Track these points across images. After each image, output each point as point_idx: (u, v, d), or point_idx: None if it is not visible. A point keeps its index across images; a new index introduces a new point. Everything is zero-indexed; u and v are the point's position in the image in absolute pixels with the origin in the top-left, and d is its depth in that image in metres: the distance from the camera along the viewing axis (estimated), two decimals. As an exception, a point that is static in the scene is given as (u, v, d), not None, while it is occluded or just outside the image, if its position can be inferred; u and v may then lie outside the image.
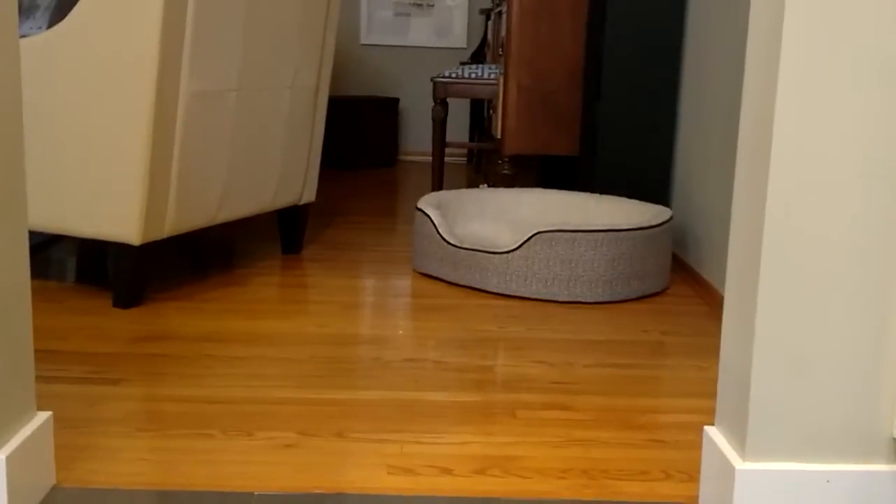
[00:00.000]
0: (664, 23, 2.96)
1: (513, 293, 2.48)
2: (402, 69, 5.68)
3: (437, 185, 3.90)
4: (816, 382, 1.22)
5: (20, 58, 1.26)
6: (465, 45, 5.63)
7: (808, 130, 1.17)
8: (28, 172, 2.28)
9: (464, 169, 5.40)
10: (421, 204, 2.74)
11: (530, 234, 2.45)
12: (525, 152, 3.37)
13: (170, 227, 2.31)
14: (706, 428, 1.36)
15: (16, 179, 1.26)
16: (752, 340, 1.22)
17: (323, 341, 2.09)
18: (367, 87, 5.69)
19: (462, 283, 2.58)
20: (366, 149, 5.26)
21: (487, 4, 5.50)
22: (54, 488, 1.37)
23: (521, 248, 2.46)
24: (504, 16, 3.48)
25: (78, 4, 2.17)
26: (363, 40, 5.63)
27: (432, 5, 5.59)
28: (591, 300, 2.46)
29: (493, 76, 3.75)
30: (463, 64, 4.00)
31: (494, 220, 2.91)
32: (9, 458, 1.22)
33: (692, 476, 1.48)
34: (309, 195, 2.92)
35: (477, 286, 2.55)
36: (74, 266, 2.73)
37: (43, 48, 2.21)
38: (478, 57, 5.25)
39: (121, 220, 2.22)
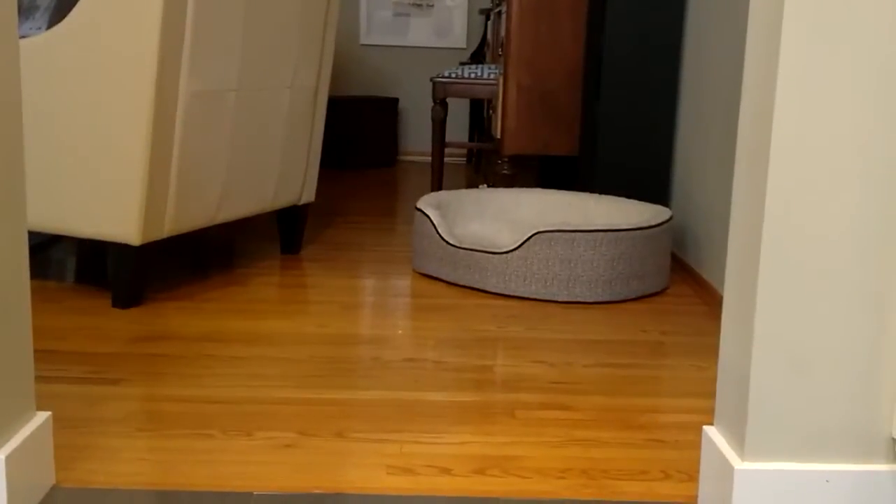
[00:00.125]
0: (664, 22, 2.96)
1: (512, 293, 2.49)
2: (402, 69, 5.68)
3: (437, 186, 3.90)
4: (816, 382, 1.23)
5: (20, 58, 1.26)
6: (464, 46, 5.64)
7: (807, 129, 1.17)
8: (28, 173, 2.28)
9: (463, 169, 5.40)
10: (420, 204, 2.74)
11: (530, 234, 2.45)
12: (524, 152, 3.37)
13: (169, 227, 2.31)
14: (705, 428, 1.36)
15: (15, 179, 1.26)
16: (752, 340, 1.22)
17: (322, 341, 2.09)
18: (366, 87, 5.69)
19: (461, 283, 2.58)
20: (365, 149, 5.26)
21: (487, 4, 5.50)
22: (54, 488, 1.37)
23: (520, 249, 2.46)
24: (504, 16, 3.48)
25: (77, 5, 2.17)
26: (363, 40, 5.63)
27: (432, 5, 5.59)
28: (591, 300, 2.46)
29: (492, 76, 3.75)
30: (462, 64, 4.00)
31: (494, 220, 2.91)
32: (8, 458, 1.22)
33: (691, 476, 1.48)
34: (308, 195, 2.92)
35: (476, 286, 2.55)
36: (74, 266, 2.73)
37: (42, 49, 2.21)
38: (477, 57, 5.25)
39: (120, 220, 2.22)
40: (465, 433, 1.61)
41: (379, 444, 1.55)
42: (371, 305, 2.39)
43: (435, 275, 2.66)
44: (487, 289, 2.52)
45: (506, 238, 2.65)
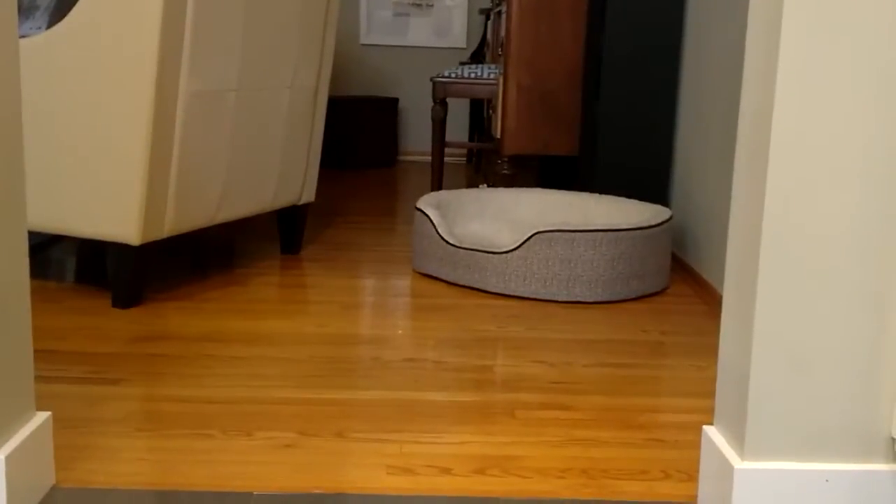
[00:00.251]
0: (663, 22, 2.96)
1: (512, 293, 2.49)
2: (402, 69, 5.68)
3: (437, 185, 3.90)
4: (815, 382, 1.23)
5: (20, 58, 1.26)
6: (464, 45, 5.64)
7: (806, 128, 1.17)
8: (27, 173, 2.28)
9: (463, 169, 5.40)
10: (420, 204, 2.74)
11: (530, 234, 2.45)
12: (524, 152, 3.37)
13: (169, 226, 2.31)
14: (705, 427, 1.36)
15: (15, 179, 1.26)
16: (751, 340, 1.22)
17: (322, 341, 2.09)
18: (366, 87, 5.69)
19: (461, 282, 2.58)
20: (365, 149, 5.26)
21: (487, 4, 5.50)
22: (53, 488, 1.37)
23: (520, 248, 2.46)
24: (503, 16, 3.48)
25: (77, 5, 2.17)
26: (363, 40, 5.63)
27: (431, 5, 5.59)
28: (591, 300, 2.46)
29: (492, 76, 3.75)
30: (462, 64, 4.00)
31: (494, 219, 2.91)
32: (8, 458, 1.22)
33: (691, 476, 1.48)
34: (308, 195, 2.92)
35: (476, 286, 2.55)
36: (74, 266, 2.73)
37: (42, 48, 2.21)
38: (477, 57, 5.25)
39: (120, 220, 2.22)
40: (465, 433, 1.61)
41: (379, 444, 1.55)
42: (371, 305, 2.39)
43: (435, 275, 2.66)
44: (487, 289, 2.52)
45: (506, 238, 2.65)
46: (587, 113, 3.21)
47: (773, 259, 1.20)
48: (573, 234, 2.42)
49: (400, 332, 2.18)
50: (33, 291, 2.40)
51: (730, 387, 1.29)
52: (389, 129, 5.38)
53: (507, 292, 2.49)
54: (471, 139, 5.52)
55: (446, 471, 1.47)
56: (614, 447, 1.57)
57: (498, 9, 4.06)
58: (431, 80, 3.86)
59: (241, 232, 3.28)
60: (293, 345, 2.05)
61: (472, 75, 3.78)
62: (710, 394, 1.84)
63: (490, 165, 4.30)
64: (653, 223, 2.53)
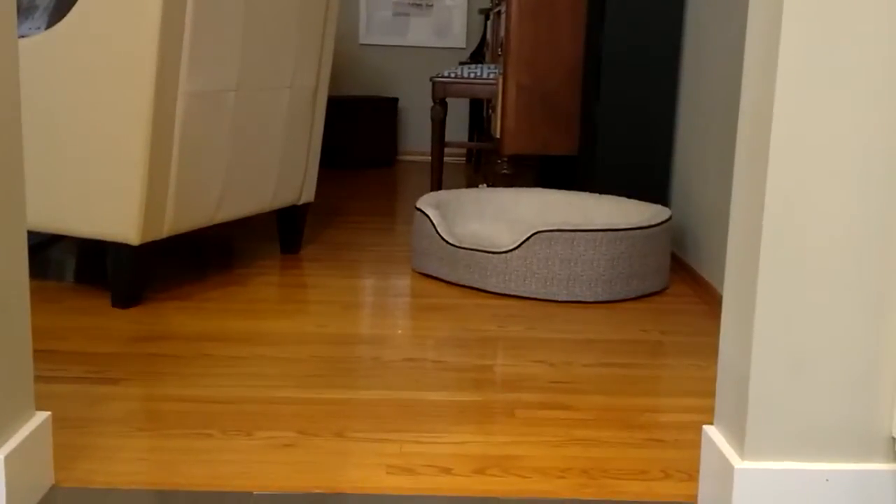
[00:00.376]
0: (663, 22, 2.96)
1: (512, 293, 2.49)
2: (402, 69, 5.68)
3: (437, 185, 3.90)
4: (815, 381, 1.23)
5: (19, 58, 1.26)
6: (464, 45, 5.63)
7: (807, 128, 1.17)
8: (27, 172, 2.28)
9: (463, 169, 5.40)
10: (420, 204, 2.74)
11: (529, 234, 2.45)
12: (524, 152, 3.37)
13: (169, 226, 2.31)
14: (705, 427, 1.36)
15: (14, 179, 1.26)
16: (751, 339, 1.22)
17: (322, 341, 2.09)
18: (366, 86, 5.69)
19: (461, 282, 2.58)
20: (365, 149, 5.26)
21: (486, 4, 5.50)
22: (53, 488, 1.37)
23: (520, 248, 2.46)
24: (503, 15, 3.48)
25: (76, 5, 2.17)
26: (362, 40, 5.63)
27: (431, 5, 5.59)
28: (591, 300, 2.46)
29: (492, 76, 3.75)
30: (462, 64, 4.00)
31: (493, 219, 2.91)
32: (7, 458, 1.22)
33: (691, 475, 1.48)
34: (308, 195, 2.92)
35: (476, 286, 2.55)
36: (73, 266, 2.73)
37: (42, 48, 2.21)
38: (477, 57, 5.25)
39: (120, 220, 2.22)
40: (465, 433, 1.61)
41: (379, 444, 1.55)
42: (371, 305, 2.39)
43: (435, 274, 2.66)
44: (487, 288, 2.52)
45: (505, 238, 2.65)
46: (587, 112, 3.21)
47: (773, 259, 1.20)
48: (573, 233, 2.42)
49: (400, 331, 2.17)
50: (33, 291, 2.40)
51: (730, 386, 1.29)
52: (389, 129, 5.38)
53: (506, 292, 2.49)
54: (470, 139, 5.52)
55: (446, 470, 1.47)
56: (614, 447, 1.57)
57: (497, 9, 4.06)
58: (431, 79, 3.86)
59: (240, 232, 3.28)
60: (293, 344, 2.05)
61: (472, 75, 3.78)
62: (710, 393, 1.84)
63: (490, 165, 4.30)
64: (652, 223, 2.53)
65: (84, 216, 2.25)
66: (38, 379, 1.80)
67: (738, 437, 1.26)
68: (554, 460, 1.51)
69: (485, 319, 2.29)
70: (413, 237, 2.77)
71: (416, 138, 5.74)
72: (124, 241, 2.23)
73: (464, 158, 5.75)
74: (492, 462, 1.50)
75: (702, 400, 1.80)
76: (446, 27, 5.62)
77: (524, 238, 2.45)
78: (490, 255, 2.50)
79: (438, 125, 3.87)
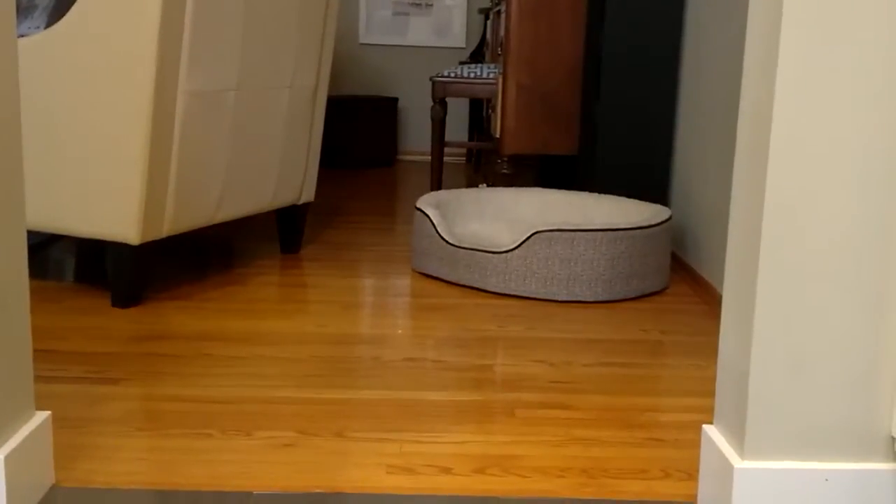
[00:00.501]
0: (663, 21, 2.96)
1: (512, 292, 2.48)
2: (401, 69, 5.68)
3: (436, 185, 3.90)
4: (815, 381, 1.23)
5: (18, 57, 1.26)
6: (464, 45, 5.63)
7: (806, 127, 1.17)
8: (27, 172, 2.28)
9: (463, 168, 5.40)
10: (420, 203, 2.74)
11: (529, 234, 2.45)
12: (524, 152, 3.37)
13: (168, 226, 2.31)
14: (705, 427, 1.36)
15: (14, 179, 1.26)
16: (751, 339, 1.22)
17: (322, 341, 2.09)
18: (365, 86, 5.69)
19: (461, 282, 2.58)
20: (365, 148, 5.26)
21: (486, 4, 5.50)
22: (53, 488, 1.37)
23: (520, 248, 2.46)
24: (503, 15, 3.48)
25: (76, 4, 2.17)
26: (362, 40, 5.63)
27: (431, 5, 5.59)
28: (591, 299, 2.46)
29: (492, 75, 3.75)
30: (462, 63, 4.00)
31: (493, 219, 2.91)
32: (7, 458, 1.22)
33: (691, 475, 1.48)
34: (308, 195, 2.92)
35: (476, 286, 2.55)
36: (73, 266, 2.73)
37: (41, 48, 2.21)
38: (477, 56, 5.25)
39: (119, 220, 2.22)
40: (465, 432, 1.61)
41: (379, 444, 1.55)
42: (371, 305, 2.39)
43: (435, 274, 2.66)
44: (487, 288, 2.52)
45: (505, 237, 2.65)
46: (587, 112, 3.21)
47: (773, 258, 1.20)
48: (573, 233, 2.42)
49: (400, 331, 2.17)
50: (33, 291, 2.40)
51: (729, 386, 1.29)
52: (389, 129, 5.38)
53: (506, 292, 2.49)
54: (470, 139, 5.52)
55: (446, 470, 1.47)
56: (614, 446, 1.57)
57: (497, 8, 4.06)
58: (431, 79, 3.85)
59: (240, 231, 3.28)
60: (293, 344, 2.05)
61: (472, 75, 3.78)
62: (710, 393, 1.84)
63: (490, 165, 4.30)
64: (652, 222, 2.53)
65: (84, 216, 2.25)
66: (38, 379, 1.80)
67: (738, 437, 1.26)
68: (554, 460, 1.51)
69: (485, 319, 2.29)
70: (413, 237, 2.77)
71: (415, 138, 5.74)
72: (124, 241, 2.23)
73: (464, 158, 5.75)
74: (492, 462, 1.50)
75: (702, 399, 1.80)
76: (446, 27, 5.62)
77: (524, 238, 2.45)
78: (490, 254, 2.50)
79: (438, 125, 3.87)
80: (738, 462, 1.24)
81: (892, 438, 1.24)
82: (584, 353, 2.05)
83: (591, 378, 1.90)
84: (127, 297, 2.29)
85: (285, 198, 2.79)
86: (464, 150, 5.74)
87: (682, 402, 1.79)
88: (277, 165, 2.70)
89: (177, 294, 2.42)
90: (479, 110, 5.24)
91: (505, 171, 3.46)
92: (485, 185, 3.78)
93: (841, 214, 1.19)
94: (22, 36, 2.26)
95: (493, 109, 3.77)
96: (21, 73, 2.23)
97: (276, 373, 1.87)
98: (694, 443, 1.60)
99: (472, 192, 2.98)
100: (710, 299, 2.48)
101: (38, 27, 2.98)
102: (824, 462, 1.24)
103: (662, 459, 1.53)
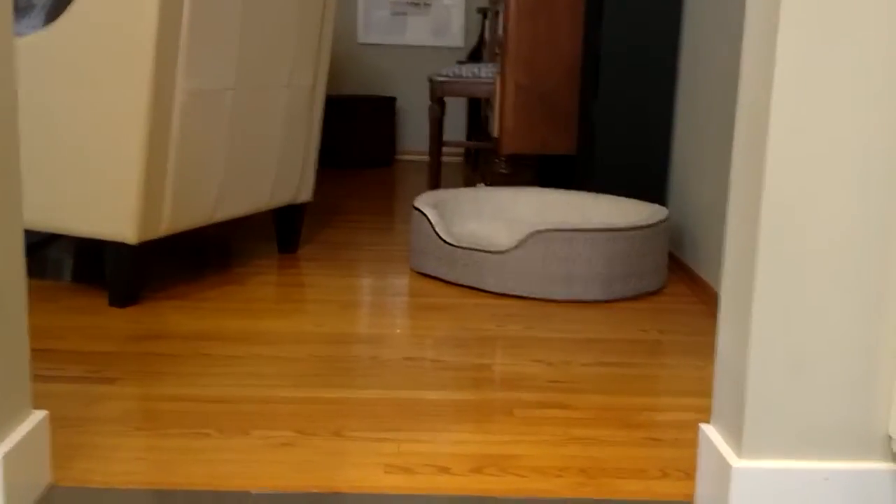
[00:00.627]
0: (661, 21, 2.96)
1: (510, 292, 2.48)
2: (399, 68, 5.67)
3: (435, 185, 3.90)
4: (813, 380, 1.23)
5: (16, 56, 1.26)
6: (462, 44, 5.63)
7: (804, 126, 1.17)
8: (24, 171, 2.28)
9: (461, 168, 5.40)
10: (418, 203, 2.74)
11: (528, 234, 2.45)
12: (522, 151, 3.37)
13: (166, 225, 2.31)
14: (702, 426, 1.36)
15: (11, 178, 1.26)
16: (748, 338, 1.22)
17: (320, 340, 2.08)
18: (364, 86, 5.69)
19: (459, 282, 2.58)
20: (363, 148, 5.26)
21: (484, 3, 5.50)
22: (50, 487, 1.37)
23: (518, 248, 2.46)
24: (501, 15, 3.48)
25: (74, 3, 2.16)
26: (360, 39, 5.62)
27: (429, 4, 5.59)
28: (589, 299, 2.46)
29: (490, 75, 3.75)
30: (460, 63, 4.00)
31: (492, 219, 2.91)
32: (5, 457, 1.22)
33: (689, 474, 1.48)
34: (306, 194, 2.92)
35: (474, 285, 2.55)
36: (71, 265, 2.73)
37: (39, 47, 2.20)
38: (475, 56, 5.25)
39: (117, 219, 2.21)
40: (463, 432, 1.61)
41: (377, 443, 1.55)
42: (369, 304, 2.39)
43: (433, 274, 2.66)
44: (485, 288, 2.52)
45: (504, 237, 2.65)
46: (585, 112, 3.21)
47: (771, 257, 1.20)
48: (571, 233, 2.42)
49: (398, 331, 2.17)
50: (30, 291, 2.40)
51: (727, 385, 1.29)
52: (387, 129, 5.38)
53: (505, 291, 2.49)
54: (468, 138, 5.51)
55: (444, 470, 1.47)
56: (612, 446, 1.57)
57: (495, 8, 4.06)
58: (429, 79, 3.85)
59: (238, 231, 3.28)
60: (291, 344, 2.05)
61: (470, 74, 3.78)
62: (708, 392, 1.84)
63: (488, 165, 4.30)
64: (650, 222, 2.53)
65: (81, 215, 2.25)
66: (36, 378, 1.80)
67: (736, 436, 1.26)
68: (552, 459, 1.51)
69: (483, 319, 2.29)
70: (411, 236, 2.77)
71: (414, 138, 5.74)
72: (122, 240, 2.23)
73: (462, 158, 5.75)
74: (490, 461, 1.50)
75: (699, 399, 1.80)
76: (444, 26, 5.62)
77: (522, 237, 2.45)
78: (488, 254, 2.50)
79: (436, 124, 3.87)
80: (735, 461, 1.24)
81: (890, 438, 1.24)
82: (583, 353, 2.05)
83: (589, 377, 1.90)
84: (125, 296, 2.29)
85: (283, 197, 2.79)
86: (462, 150, 5.74)
87: (679, 402, 1.79)
88: (275, 165, 2.70)
89: (174, 293, 2.42)
90: (478, 110, 5.24)
91: (503, 170, 3.46)
92: (483, 184, 3.78)
93: (840, 214, 1.19)
94: (20, 35, 2.26)
95: (492, 109, 3.77)
96: (19, 72, 2.23)
97: (273, 372, 1.87)
98: (692, 442, 1.60)
99: (470, 191, 2.98)
100: (707, 299, 2.48)
101: (36, 26, 2.98)
102: (822, 461, 1.24)
103: (660, 459, 1.53)
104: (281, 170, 2.73)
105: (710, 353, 2.08)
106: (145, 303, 2.33)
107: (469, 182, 4.75)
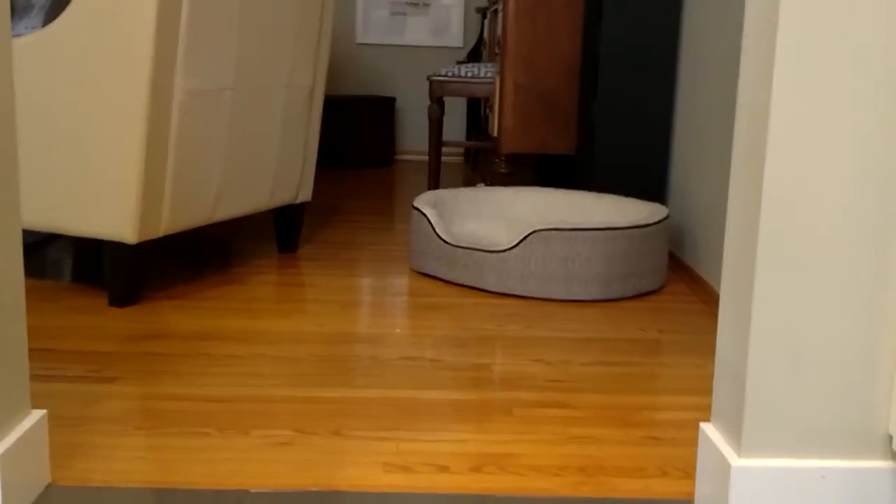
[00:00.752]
0: (660, 20, 2.96)
1: (510, 292, 2.48)
2: (399, 68, 5.68)
3: (434, 185, 3.90)
4: (812, 379, 1.22)
5: (14, 57, 1.26)
6: (461, 44, 5.63)
7: (804, 125, 1.17)
8: (23, 171, 2.28)
9: (461, 168, 5.40)
10: (417, 203, 2.74)
11: (527, 233, 2.45)
12: (522, 151, 3.37)
13: (165, 225, 2.31)
14: (702, 424, 1.36)
15: (9, 178, 1.26)
16: (748, 337, 1.22)
17: (320, 340, 2.08)
18: (363, 86, 5.69)
19: (459, 281, 2.58)
20: (362, 148, 5.26)
21: (483, 3, 5.50)
22: (49, 486, 1.37)
23: (518, 247, 2.46)
24: (500, 14, 3.48)
25: (73, 3, 2.16)
26: (359, 39, 5.63)
27: (428, 4, 5.59)
28: (588, 298, 2.46)
29: (489, 75, 3.75)
30: (459, 63, 4.00)
31: (491, 218, 2.91)
32: (3, 456, 1.22)
33: (689, 473, 1.48)
34: (305, 194, 2.92)
35: (474, 285, 2.55)
36: (70, 265, 2.73)
37: (37, 47, 2.20)
38: (474, 56, 5.25)
39: (116, 219, 2.21)
40: (462, 431, 1.61)
41: (376, 442, 1.55)
42: (368, 304, 2.39)
43: (432, 273, 2.66)
44: (485, 287, 2.52)
45: (503, 237, 2.65)
46: (584, 111, 3.21)
47: (770, 256, 1.20)
48: (571, 232, 2.42)
49: (398, 330, 2.17)
50: (29, 290, 2.40)
51: (727, 384, 1.29)
52: (386, 129, 5.38)
53: (504, 291, 2.49)
54: (468, 138, 5.52)
55: (443, 469, 1.47)
56: (612, 445, 1.57)
57: (494, 7, 4.06)
58: (428, 79, 3.85)
59: (237, 231, 3.28)
60: (290, 343, 2.05)
61: (469, 74, 3.78)
62: (708, 391, 1.84)
63: (487, 164, 4.30)
64: (650, 221, 2.53)
65: (80, 215, 2.25)
66: (35, 378, 1.80)
67: (735, 435, 1.26)
68: (551, 458, 1.51)
69: (483, 318, 2.29)
70: (411, 236, 2.77)
71: (413, 138, 5.74)
72: (121, 240, 2.23)
73: (461, 158, 5.75)
74: (489, 460, 1.50)
75: (699, 398, 1.80)
76: (443, 26, 5.62)
77: (522, 237, 2.45)
78: (488, 254, 2.50)
79: (436, 124, 3.87)
80: (735, 460, 1.24)
81: (889, 436, 1.24)
82: (582, 352, 2.05)
83: (588, 377, 1.90)
84: (124, 296, 2.29)
85: (283, 197, 2.79)
86: (461, 150, 5.74)
87: (679, 401, 1.79)
88: (274, 165, 2.70)
89: (174, 293, 2.42)
90: (477, 110, 5.24)
91: (503, 170, 3.46)
92: (483, 184, 3.78)
93: (839, 212, 1.19)
94: (19, 35, 2.26)
95: (491, 109, 3.77)
96: (18, 73, 2.23)
97: (273, 372, 1.87)
98: (691, 441, 1.60)
99: (469, 191, 2.98)
100: (707, 298, 2.48)
101: (35, 26, 2.98)
102: (821, 460, 1.24)
103: (660, 458, 1.53)
104: (280, 170, 2.73)
105: (709, 352, 2.08)
106: (145, 303, 2.33)
107: (469, 182, 4.75)
